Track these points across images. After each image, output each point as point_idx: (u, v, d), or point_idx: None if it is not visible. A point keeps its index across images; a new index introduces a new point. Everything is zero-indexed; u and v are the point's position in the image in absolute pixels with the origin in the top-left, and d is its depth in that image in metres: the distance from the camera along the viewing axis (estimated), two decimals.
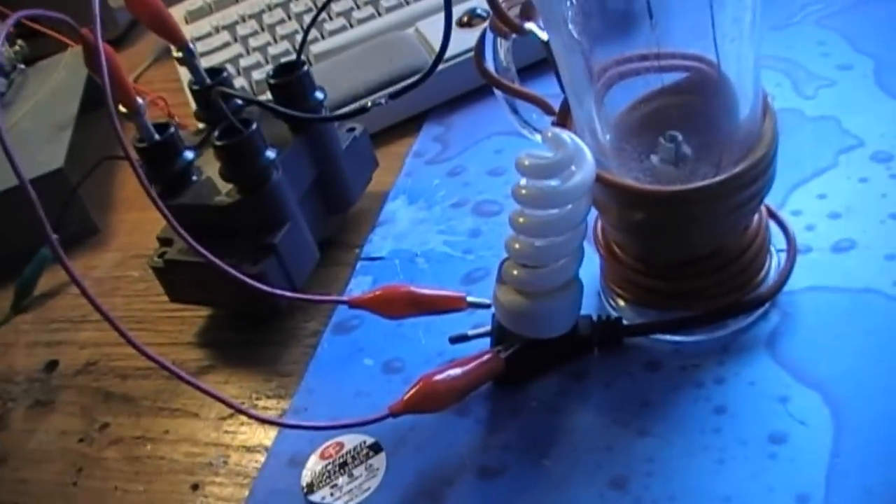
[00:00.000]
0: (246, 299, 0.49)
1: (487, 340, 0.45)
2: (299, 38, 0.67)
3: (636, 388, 0.43)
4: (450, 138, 0.60)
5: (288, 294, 0.46)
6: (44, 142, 0.64)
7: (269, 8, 0.69)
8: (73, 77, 0.71)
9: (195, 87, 0.53)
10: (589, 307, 0.46)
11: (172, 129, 0.50)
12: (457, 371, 0.42)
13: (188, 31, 0.72)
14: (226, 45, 0.69)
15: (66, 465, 0.49)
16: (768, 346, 0.43)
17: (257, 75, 0.65)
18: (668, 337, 0.44)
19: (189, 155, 0.51)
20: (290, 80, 0.50)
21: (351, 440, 0.44)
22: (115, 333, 0.55)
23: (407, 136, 0.61)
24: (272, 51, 0.66)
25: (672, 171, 0.42)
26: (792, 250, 0.45)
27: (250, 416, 0.44)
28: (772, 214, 0.46)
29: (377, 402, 0.46)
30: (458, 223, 0.53)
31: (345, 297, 0.46)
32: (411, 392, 0.42)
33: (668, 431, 0.41)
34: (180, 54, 0.51)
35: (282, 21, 0.68)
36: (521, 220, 0.41)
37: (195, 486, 0.45)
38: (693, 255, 0.43)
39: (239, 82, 0.65)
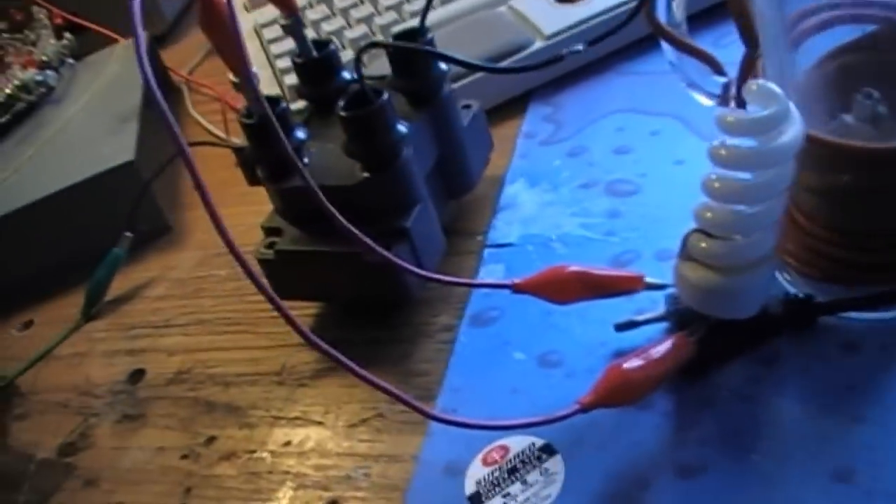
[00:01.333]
0: (373, 290, 0.44)
1: (656, 327, 0.41)
2: (407, 7, 0.63)
3: (837, 371, 0.38)
4: (562, 118, 0.55)
5: (443, 278, 0.41)
6: (108, 134, 0.58)
7: None
8: (128, 69, 0.66)
9: (298, 61, 0.47)
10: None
11: (284, 105, 0.44)
12: (648, 358, 0.37)
13: (249, 19, 0.67)
14: (326, 17, 0.64)
15: (170, 486, 0.43)
16: None
17: (350, 34, 0.60)
18: (861, 315, 0.40)
19: (301, 134, 0.45)
20: (413, 48, 0.46)
21: (517, 443, 0.39)
22: (206, 338, 0.50)
23: (510, 118, 0.56)
24: (379, 21, 0.61)
25: (869, 131, 0.38)
26: None
27: (437, 420, 0.38)
28: None
29: (537, 400, 0.41)
30: (592, 205, 0.49)
31: (508, 281, 0.41)
32: (602, 383, 0.37)
33: (886, 416, 0.36)
34: (287, 23, 0.46)
35: (354, 5, 0.63)
36: (717, 184, 0.36)
37: (334, 503, 0.40)
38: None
39: (346, 55, 0.59)
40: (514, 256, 0.48)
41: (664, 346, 0.38)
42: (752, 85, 0.36)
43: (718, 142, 0.36)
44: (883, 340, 0.39)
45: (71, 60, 0.69)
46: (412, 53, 0.46)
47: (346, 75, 0.48)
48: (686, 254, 0.38)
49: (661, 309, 0.41)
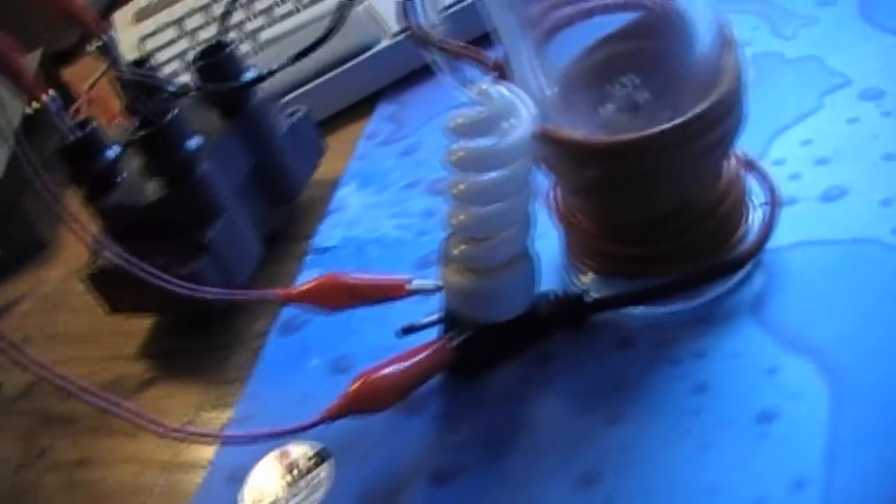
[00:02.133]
0: (181, 304, 0.45)
1: (441, 329, 0.41)
2: (249, 26, 0.63)
3: (606, 369, 0.38)
4: (404, 116, 0.55)
5: (210, 291, 0.42)
6: None
7: None
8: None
9: (122, 78, 0.49)
10: (550, 284, 0.41)
11: (93, 124, 0.46)
12: (399, 365, 0.38)
13: (136, 31, 0.68)
14: (172, 41, 0.65)
15: (4, 499, 0.45)
16: (753, 311, 0.38)
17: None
18: (640, 310, 0.40)
19: (113, 151, 0.47)
20: (215, 61, 0.46)
21: (296, 448, 0.40)
22: (61, 352, 0.52)
23: (360, 119, 0.57)
24: (250, 26, 0.62)
25: (627, 121, 0.37)
26: (774, 202, 0.40)
27: (160, 435, 0.39)
28: (748, 165, 0.41)
29: (323, 406, 0.41)
30: (412, 205, 0.49)
31: (274, 292, 0.41)
32: (349, 392, 0.37)
33: (644, 416, 0.36)
34: (96, 45, 0.47)
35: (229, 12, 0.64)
36: (459, 187, 0.36)
37: None
38: (658, 213, 0.38)
39: (187, 78, 0.60)
40: (332, 261, 0.48)
41: (420, 353, 0.38)
42: (477, 86, 0.36)
43: (452, 146, 0.36)
44: (658, 337, 0.38)
45: None
46: (214, 66, 0.46)
47: (170, 89, 0.49)
48: (445, 258, 0.38)
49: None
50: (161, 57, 0.64)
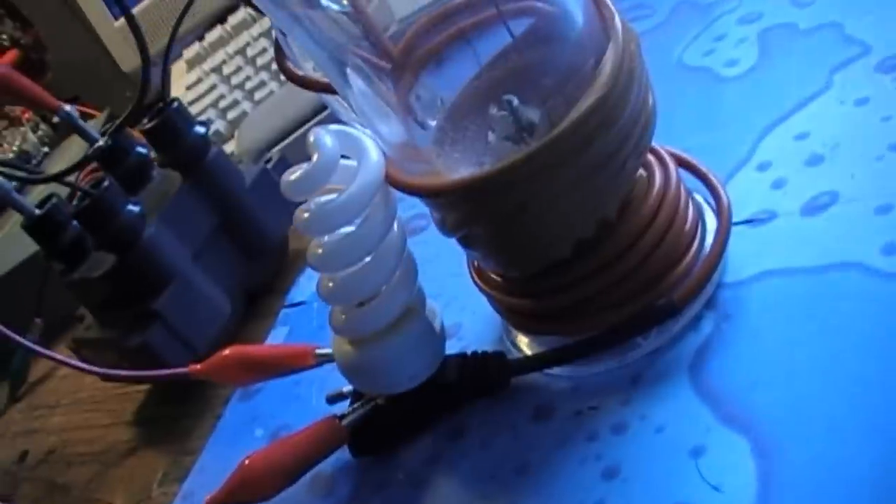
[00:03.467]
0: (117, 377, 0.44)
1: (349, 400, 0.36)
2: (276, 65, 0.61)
3: (518, 446, 0.32)
4: None
5: (125, 373, 0.40)
6: None
7: (254, 39, 0.64)
8: (79, 154, 0.70)
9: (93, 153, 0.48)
10: (490, 345, 0.35)
11: (54, 201, 0.45)
12: (283, 449, 0.34)
13: (186, 80, 0.68)
14: (212, 87, 0.64)
15: None
16: (692, 370, 0.30)
17: (232, 115, 0.60)
18: (566, 371, 0.33)
19: (77, 225, 0.46)
20: (159, 121, 0.45)
21: None
22: (78, 417, 0.53)
23: None
24: (249, 85, 0.61)
25: (511, 149, 0.30)
26: (724, 223, 0.32)
27: None
28: (694, 172, 0.33)
29: None
30: None
31: (185, 369, 0.39)
32: (229, 478, 0.34)
33: None
34: (57, 120, 0.47)
35: (263, 51, 0.63)
36: (317, 252, 0.32)
37: None
38: (554, 256, 0.31)
39: (219, 125, 0.60)
40: (300, 316, 0.45)
41: (309, 432, 0.34)
42: (310, 135, 0.31)
43: (300, 208, 0.32)
44: (580, 405, 0.32)
45: (46, 149, 0.75)
46: (160, 127, 0.45)
47: (143, 150, 0.48)
48: (333, 328, 0.34)
49: None
50: (200, 105, 0.64)
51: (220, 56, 0.65)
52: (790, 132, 0.35)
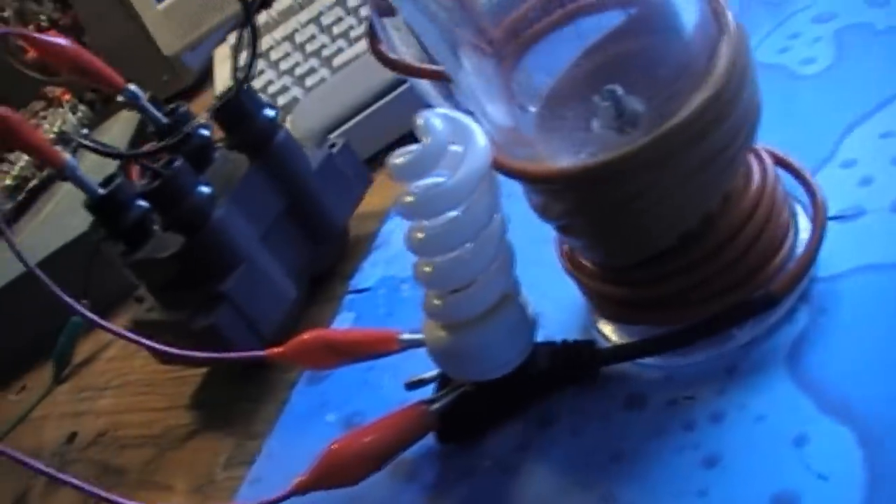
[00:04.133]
0: (191, 358, 0.44)
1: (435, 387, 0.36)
2: (326, 52, 0.61)
3: (611, 434, 0.32)
4: None
5: (199, 355, 0.40)
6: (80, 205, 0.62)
7: (302, 26, 0.63)
8: (121, 134, 0.70)
9: (151, 131, 0.48)
10: (574, 333, 0.36)
11: (118, 181, 0.45)
12: (374, 433, 0.34)
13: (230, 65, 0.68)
14: (259, 72, 0.64)
15: None
16: (789, 361, 0.31)
17: (282, 100, 0.60)
18: (656, 361, 0.33)
19: (142, 205, 0.46)
20: (230, 103, 0.44)
21: None
22: (129, 400, 0.53)
23: None
24: (299, 71, 0.60)
25: (614, 138, 0.31)
26: (819, 218, 0.32)
27: None
28: (788, 169, 0.34)
29: None
30: None
31: (263, 352, 0.39)
32: (317, 463, 0.34)
33: (640, 496, 0.30)
34: (122, 99, 0.46)
35: (312, 37, 0.62)
36: (418, 236, 0.32)
37: None
38: (658, 248, 0.31)
39: (293, 93, 0.60)
40: (366, 303, 0.45)
41: (397, 419, 0.34)
42: (419, 118, 0.31)
43: (403, 191, 0.32)
44: (674, 394, 0.32)
45: (85, 132, 0.75)
46: (229, 109, 0.45)
47: (205, 132, 0.48)
48: (426, 312, 0.34)
49: None
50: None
51: (266, 42, 0.65)
52: (874, 131, 0.36)
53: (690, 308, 0.32)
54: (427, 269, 0.32)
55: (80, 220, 0.60)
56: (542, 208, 0.32)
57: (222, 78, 0.68)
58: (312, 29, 0.63)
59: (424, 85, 0.36)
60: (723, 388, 0.31)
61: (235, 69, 0.45)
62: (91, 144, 0.43)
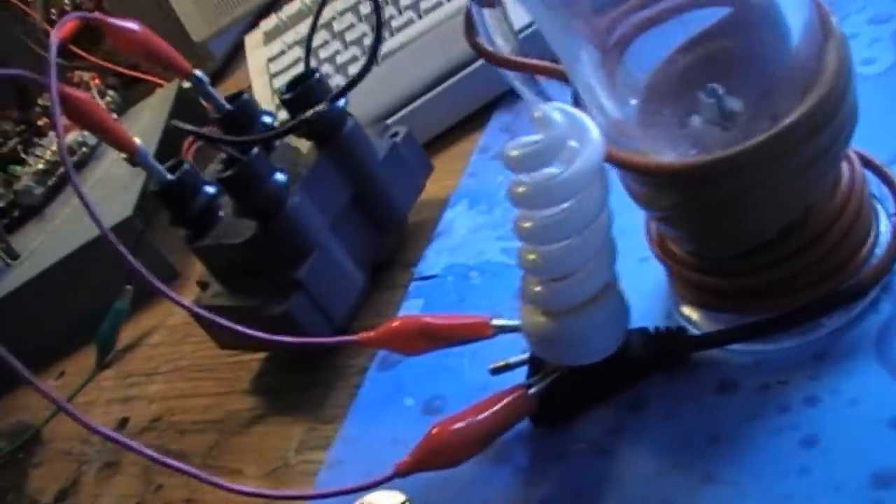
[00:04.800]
0: (279, 343, 0.45)
1: (528, 371, 0.38)
2: (367, 41, 0.62)
3: (705, 418, 0.34)
4: (519, 127, 0.52)
5: (286, 339, 0.41)
6: (120, 190, 0.63)
7: (339, 14, 0.64)
8: (153, 120, 0.70)
9: (216, 116, 0.48)
10: (655, 319, 0.37)
11: (186, 167, 0.46)
12: (475, 416, 0.35)
13: (264, 53, 0.69)
14: (297, 60, 0.65)
15: None
16: (877, 348, 0.32)
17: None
18: (746, 348, 0.35)
19: (209, 190, 0.46)
20: (301, 92, 0.45)
21: (380, 498, 0.38)
22: (179, 385, 0.53)
23: (475, 132, 0.54)
24: (340, 59, 0.61)
25: (718, 134, 0.32)
26: None
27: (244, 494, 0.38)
28: (872, 168, 0.35)
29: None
30: None
31: (356, 337, 0.40)
32: (421, 445, 0.35)
33: (742, 475, 0.31)
34: (189, 85, 0.47)
35: (350, 26, 0.63)
36: (526, 225, 0.33)
37: None
38: (757, 241, 0.33)
39: (336, 80, 0.60)
40: (435, 289, 0.46)
41: (497, 402, 0.35)
42: (537, 110, 0.32)
43: (515, 179, 0.33)
44: (765, 379, 0.34)
45: (114, 116, 0.75)
46: (300, 97, 0.45)
47: (268, 119, 0.49)
48: (524, 298, 0.35)
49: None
50: (284, 79, 0.64)
51: (302, 29, 0.66)
52: None
53: (785, 297, 0.34)
54: (532, 256, 0.33)
55: (119, 206, 0.60)
56: (646, 200, 0.33)
57: (256, 65, 0.68)
58: (351, 18, 0.63)
59: (519, 79, 0.37)
60: (814, 373, 0.33)
61: (308, 55, 0.45)
62: (217, 137, 0.44)
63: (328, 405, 0.44)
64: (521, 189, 0.32)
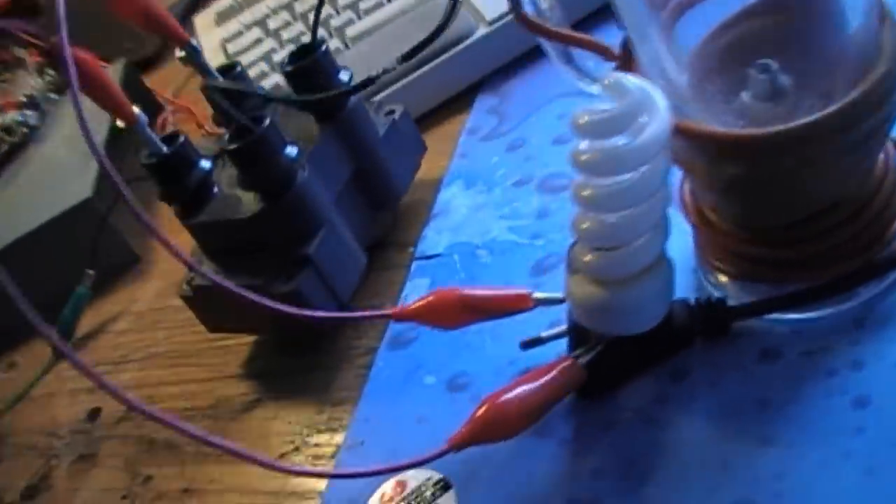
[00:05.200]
0: (283, 323, 0.43)
1: (565, 342, 0.38)
2: (333, 22, 0.61)
3: (751, 385, 0.34)
4: (506, 109, 0.52)
5: (320, 314, 0.40)
6: (75, 171, 0.59)
7: None
8: None
9: (211, 89, 0.46)
10: (683, 289, 0.38)
11: (182, 139, 0.44)
12: (528, 387, 0.35)
13: (218, 34, 0.66)
14: (257, 41, 0.62)
15: None
16: None
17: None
18: (785, 316, 0.36)
19: (205, 165, 0.44)
20: (307, 64, 0.44)
21: (414, 477, 0.37)
22: (156, 372, 0.50)
23: (460, 113, 0.53)
24: (305, 39, 0.60)
25: (769, 109, 0.33)
26: None
27: (279, 470, 0.37)
28: None
29: (441, 429, 0.38)
30: (523, 204, 0.45)
31: (389, 311, 0.39)
32: (474, 418, 0.34)
33: (798, 437, 0.32)
34: (183, 54, 0.45)
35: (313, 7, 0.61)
36: (586, 192, 0.33)
37: None
38: (804, 213, 0.34)
39: (274, 79, 0.58)
40: (440, 269, 0.45)
41: (550, 373, 0.35)
42: (608, 78, 0.32)
43: (580, 146, 0.33)
44: (807, 346, 0.35)
45: (54, 96, 0.71)
46: (306, 70, 0.44)
47: (345, 77, 0.46)
48: (572, 267, 0.35)
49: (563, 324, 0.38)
50: (245, 59, 0.62)
51: (260, 10, 0.64)
52: None
53: (823, 268, 0.35)
54: (586, 224, 0.33)
55: (77, 187, 0.56)
56: (701, 171, 0.34)
57: (209, 46, 0.65)
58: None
59: (555, 53, 0.37)
60: (856, 339, 0.34)
61: (316, 28, 0.44)
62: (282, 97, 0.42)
63: (335, 387, 0.43)
64: (584, 157, 0.32)
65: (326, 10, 0.61)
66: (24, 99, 0.67)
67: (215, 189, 0.45)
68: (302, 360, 0.45)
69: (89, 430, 0.49)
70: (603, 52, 0.37)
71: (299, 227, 0.42)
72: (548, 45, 0.38)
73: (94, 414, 0.50)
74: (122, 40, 0.72)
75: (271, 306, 0.38)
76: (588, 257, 0.34)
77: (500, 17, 0.53)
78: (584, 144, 0.32)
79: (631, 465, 0.34)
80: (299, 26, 0.61)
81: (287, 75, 0.44)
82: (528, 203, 0.46)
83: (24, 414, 0.53)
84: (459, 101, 0.54)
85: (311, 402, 0.43)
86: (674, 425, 0.35)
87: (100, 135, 0.59)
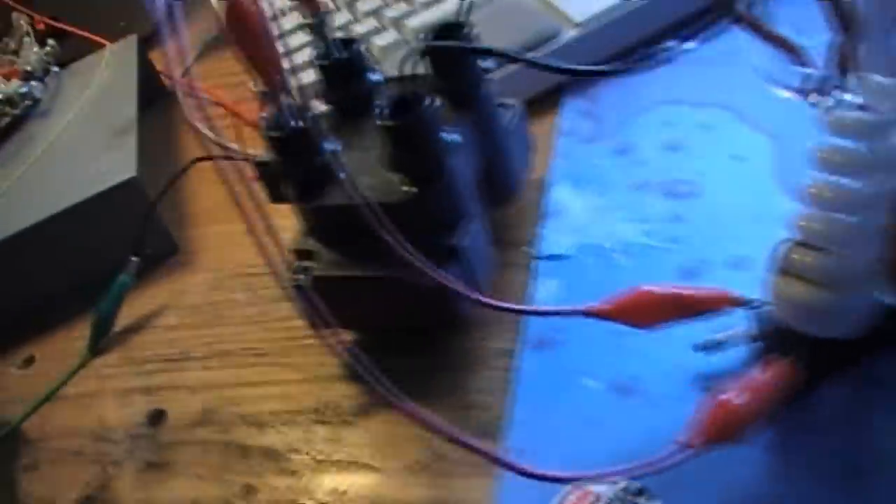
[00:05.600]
0: (423, 316, 0.40)
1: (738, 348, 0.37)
2: (387, 13, 0.58)
3: None
4: (601, 113, 0.51)
5: (514, 307, 0.37)
6: (104, 149, 0.53)
7: None
8: (120, 75, 0.60)
9: (323, 63, 0.43)
10: None
11: (312, 115, 0.40)
12: (754, 389, 0.33)
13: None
14: (350, 22, 0.59)
15: None
16: None
17: (380, 40, 0.55)
18: None
19: (331, 146, 0.40)
20: (443, 46, 0.41)
21: (604, 488, 0.35)
22: (230, 372, 0.46)
23: (542, 114, 0.51)
24: (388, 14, 0.57)
25: None
26: None
27: (522, 473, 0.33)
28: None
29: (616, 433, 0.37)
30: (649, 208, 0.44)
31: (581, 308, 0.36)
32: (709, 421, 0.33)
33: None
34: (312, 21, 0.41)
35: None
36: (821, 190, 0.32)
37: None
38: None
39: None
40: (571, 270, 0.43)
41: (768, 374, 0.34)
42: (870, 81, 0.32)
43: (829, 145, 0.32)
44: None
45: (56, 69, 0.64)
46: (454, 52, 0.41)
47: (375, 77, 0.44)
48: (782, 268, 0.34)
49: (743, 327, 0.37)
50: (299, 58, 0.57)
51: None
52: None
53: None
54: (815, 225, 0.33)
55: (116, 165, 0.50)
56: None
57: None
58: None
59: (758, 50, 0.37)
60: None
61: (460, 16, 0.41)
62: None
63: (471, 389, 0.40)
64: (834, 155, 0.32)
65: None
66: (28, 69, 0.60)
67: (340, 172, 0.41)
68: (420, 361, 0.42)
69: (153, 434, 0.43)
70: (798, 56, 0.37)
71: (449, 214, 0.39)
72: (744, 39, 0.37)
73: (158, 417, 0.44)
74: (118, 18, 0.66)
75: (453, 284, 0.35)
76: (806, 258, 0.34)
77: (587, 21, 0.52)
78: (835, 143, 0.32)
79: (845, 465, 0.33)
80: (371, 22, 0.58)
81: (322, 69, 0.42)
82: (655, 207, 0.44)
83: (58, 416, 0.46)
84: (541, 103, 0.52)
85: (444, 406, 0.40)
86: (880, 429, 0.35)
87: (129, 110, 0.54)
